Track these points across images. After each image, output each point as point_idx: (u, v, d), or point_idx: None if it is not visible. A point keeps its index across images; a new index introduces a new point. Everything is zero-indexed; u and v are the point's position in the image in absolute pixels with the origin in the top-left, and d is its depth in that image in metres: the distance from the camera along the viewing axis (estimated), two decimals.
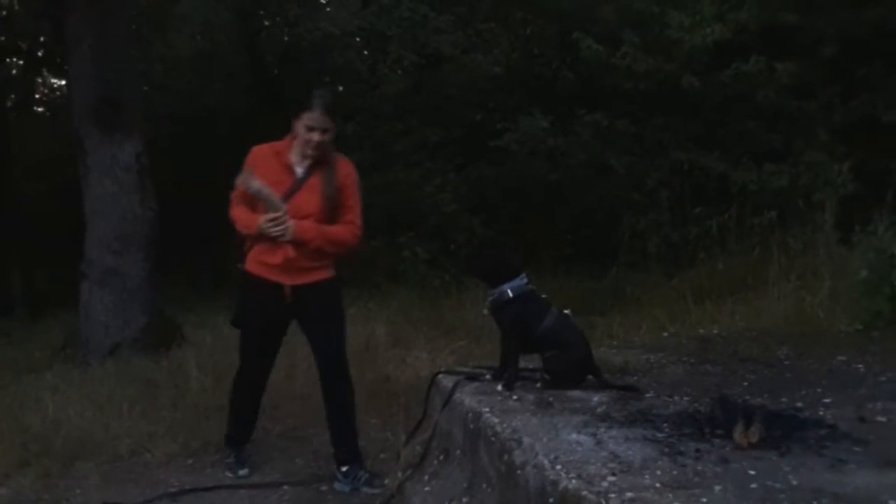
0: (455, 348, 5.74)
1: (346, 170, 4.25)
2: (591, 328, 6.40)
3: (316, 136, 4.00)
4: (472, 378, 3.60)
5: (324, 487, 3.97)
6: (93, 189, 6.82)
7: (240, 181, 3.93)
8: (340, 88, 15.01)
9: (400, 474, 3.51)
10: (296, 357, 5.77)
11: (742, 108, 9.13)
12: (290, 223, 3.84)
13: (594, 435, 2.65)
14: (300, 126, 4.01)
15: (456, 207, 10.36)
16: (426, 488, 3.29)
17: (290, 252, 3.89)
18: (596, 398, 3.18)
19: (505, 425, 2.81)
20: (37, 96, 19.91)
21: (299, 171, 4.06)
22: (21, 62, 17.63)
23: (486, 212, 10.49)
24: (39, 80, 19.23)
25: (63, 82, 18.15)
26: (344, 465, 4.00)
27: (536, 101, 10.69)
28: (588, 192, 10.28)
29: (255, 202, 3.96)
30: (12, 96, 17.26)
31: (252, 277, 4.02)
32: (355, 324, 6.41)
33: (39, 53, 16.66)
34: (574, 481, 2.22)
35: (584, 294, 8.26)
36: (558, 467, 2.34)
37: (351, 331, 6.20)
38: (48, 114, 19.81)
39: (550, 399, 3.17)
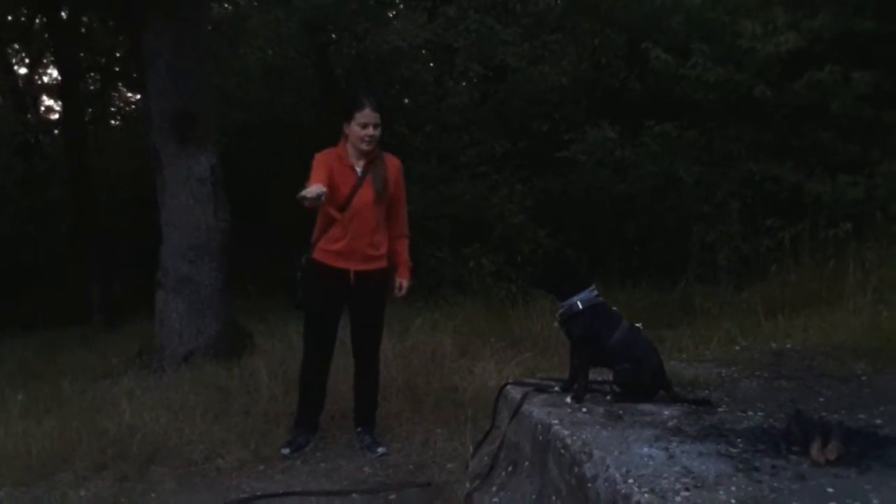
0: (522, 360, 5.73)
1: (393, 163, 4.77)
2: (661, 341, 6.31)
3: (370, 131, 4.47)
4: (540, 390, 3.59)
5: (392, 496, 3.98)
6: (169, 200, 7.01)
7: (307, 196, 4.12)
8: (406, 101, 15.16)
9: (468, 485, 3.52)
10: None
11: (816, 118, 8.91)
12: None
13: (666, 449, 2.62)
14: (354, 126, 4.49)
15: (522, 219, 10.35)
16: (494, 499, 3.29)
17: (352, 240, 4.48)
18: (667, 412, 3.14)
19: (575, 438, 2.79)
20: (113, 110, 20.55)
21: (358, 169, 4.58)
22: (99, 77, 18.22)
23: (552, 223, 10.44)
24: (116, 95, 19.85)
25: (139, 96, 18.71)
26: (359, 426, 4.74)
27: (604, 112, 10.63)
28: (656, 203, 10.17)
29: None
30: (90, 110, 17.82)
31: (319, 265, 4.55)
32: (422, 334, 6.48)
33: (116, 68, 17.20)
34: (647, 496, 2.20)
35: (652, 307, 8.16)
36: (630, 481, 2.32)
37: (417, 341, 6.30)
38: (124, 127, 20.42)
39: (620, 412, 3.14)
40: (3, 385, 6.45)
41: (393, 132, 12.23)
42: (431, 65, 14.63)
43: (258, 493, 4.08)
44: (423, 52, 14.04)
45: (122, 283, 13.47)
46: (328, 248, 4.54)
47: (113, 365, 7.22)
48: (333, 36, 15.20)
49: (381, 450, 4.64)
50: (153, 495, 4.10)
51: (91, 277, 12.89)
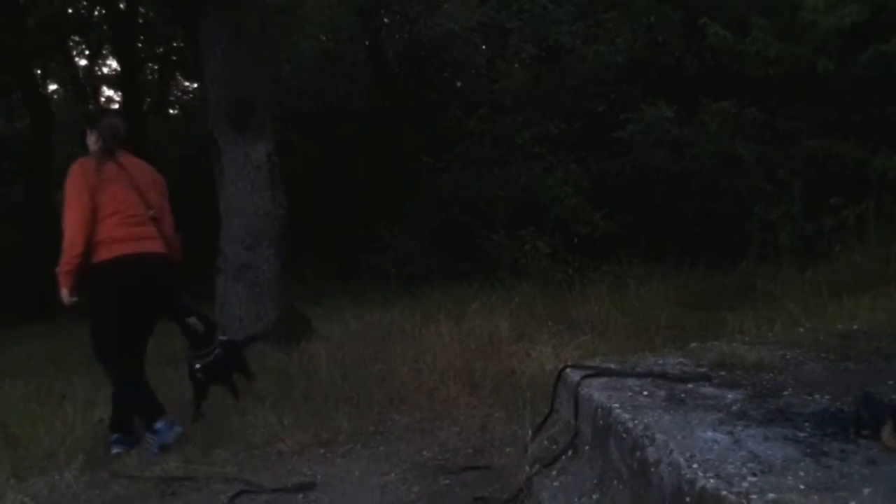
0: (580, 343, 5.68)
1: None
2: (722, 324, 6.24)
3: None
4: (599, 373, 3.55)
5: (447, 480, 3.99)
6: (227, 187, 7.11)
7: None
8: (459, 84, 15.13)
9: (528, 468, 3.50)
10: (422, 349, 5.87)
11: (881, 93, 8.65)
12: None
13: (731, 433, 2.57)
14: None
15: (578, 200, 10.27)
16: (555, 483, 3.27)
17: None
18: (730, 395, 3.08)
19: (636, 421, 2.75)
20: (171, 99, 20.90)
21: None
22: (157, 67, 18.54)
23: (608, 205, 10.34)
24: (173, 84, 20.19)
25: (195, 85, 19.00)
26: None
27: (660, 91, 10.46)
28: (715, 183, 9.99)
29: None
30: (148, 100, 18.14)
31: None
32: (478, 318, 6.48)
33: (174, 58, 17.46)
34: (712, 481, 2.15)
35: (712, 288, 8.06)
36: (695, 466, 2.28)
37: (474, 324, 6.31)
38: (182, 116, 20.76)
39: (682, 395, 3.09)
40: (70, 370, 6.62)
41: (447, 115, 12.23)
42: (484, 47, 14.57)
43: (319, 477, 4.11)
44: (475, 34, 13.98)
45: (181, 269, 13.66)
46: None
47: (175, 350, 7.34)
48: (386, 20, 15.23)
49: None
50: (216, 477, 4.16)
51: None
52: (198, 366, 5.02)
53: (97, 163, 4.57)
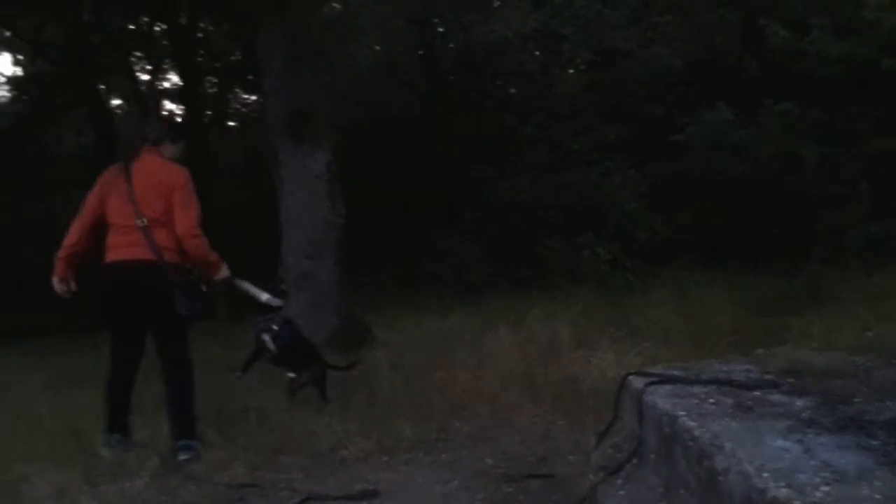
0: (642, 349, 5.61)
1: None
2: (787, 329, 6.12)
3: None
4: (664, 380, 3.52)
5: (510, 488, 3.97)
6: (287, 198, 7.21)
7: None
8: (513, 91, 15.11)
9: (592, 477, 3.48)
10: (482, 356, 5.87)
11: None
12: None
13: (801, 441, 2.52)
14: (179, 147, 4.92)
15: (636, 205, 10.20)
16: (620, 492, 3.25)
17: None
18: (800, 402, 3.03)
19: (703, 430, 2.72)
20: (230, 111, 21.23)
21: None
22: (216, 80, 18.86)
23: (668, 209, 10.24)
24: (232, 97, 20.51)
25: (254, 97, 19.29)
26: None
27: (719, 93, 10.33)
28: (777, 186, 9.83)
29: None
30: (208, 112, 18.47)
31: None
32: (538, 324, 6.46)
33: (233, 71, 17.75)
34: (784, 490, 2.12)
35: (776, 293, 7.91)
36: (765, 475, 2.25)
37: (534, 331, 6.29)
38: (241, 128, 21.06)
39: (750, 403, 3.05)
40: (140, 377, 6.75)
41: (502, 123, 12.24)
42: (538, 53, 14.53)
43: (382, 484, 4.13)
44: (529, 40, 13.96)
45: (243, 278, 13.89)
46: None
47: (238, 358, 7.44)
48: (440, 29, 15.30)
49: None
50: (281, 485, 4.20)
51: None
52: (266, 337, 5.18)
53: (117, 171, 4.80)
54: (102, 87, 18.49)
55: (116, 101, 22.42)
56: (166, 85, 22.30)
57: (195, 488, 4.24)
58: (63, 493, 4.21)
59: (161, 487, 4.28)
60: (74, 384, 6.19)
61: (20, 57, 20.41)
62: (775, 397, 3.13)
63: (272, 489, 4.16)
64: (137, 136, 4.97)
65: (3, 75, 23.33)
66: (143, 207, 4.63)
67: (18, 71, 20.92)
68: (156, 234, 4.57)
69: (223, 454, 4.63)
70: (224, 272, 4.81)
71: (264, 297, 5.04)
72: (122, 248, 4.65)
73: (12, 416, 5.35)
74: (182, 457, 4.64)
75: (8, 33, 18.04)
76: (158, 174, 4.73)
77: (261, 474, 4.35)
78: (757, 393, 3.18)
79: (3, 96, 21.95)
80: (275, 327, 5.15)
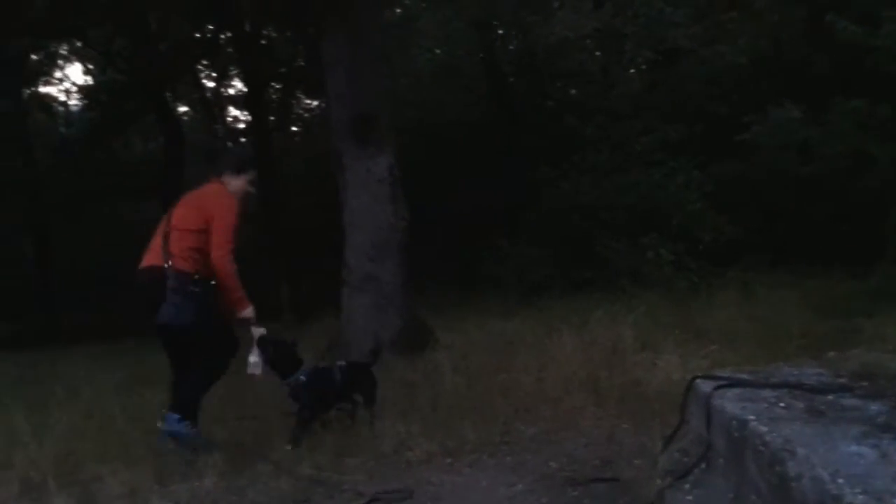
0: (708, 352, 5.53)
1: None
2: (858, 331, 5.98)
3: (252, 190, 4.95)
4: (732, 384, 3.46)
5: (575, 492, 3.95)
6: (350, 201, 7.29)
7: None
8: (573, 92, 15.04)
9: (659, 481, 3.44)
10: (545, 359, 5.85)
11: None
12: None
13: (877, 447, 2.45)
14: (243, 180, 4.88)
15: (701, 206, 10.05)
16: (688, 497, 3.20)
17: None
18: (874, 407, 2.95)
19: (775, 434, 2.67)
20: (293, 117, 21.55)
21: None
22: (280, 86, 19.16)
23: (733, 209, 10.07)
24: (295, 102, 20.81)
25: (316, 102, 19.55)
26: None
27: (786, 91, 10.13)
28: (847, 185, 9.60)
29: None
30: (272, 118, 18.77)
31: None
32: (601, 327, 6.40)
33: (296, 77, 18.01)
34: (861, 497, 2.07)
35: (846, 294, 7.74)
36: (840, 481, 2.19)
37: (597, 334, 6.23)
38: (304, 133, 21.36)
39: (822, 407, 2.97)
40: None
41: (563, 124, 12.18)
42: (598, 53, 14.43)
43: (447, 485, 4.15)
44: (590, 41, 13.87)
45: (308, 282, 14.13)
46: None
47: (305, 360, 7.54)
48: (500, 31, 15.30)
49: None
50: (345, 486, 4.24)
51: (280, 278, 13.58)
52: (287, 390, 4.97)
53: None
54: (169, 94, 18.92)
55: (183, 108, 22.98)
56: (231, 91, 22.81)
57: (262, 487, 4.32)
58: (134, 492, 4.31)
59: (229, 487, 4.36)
60: (146, 385, 6.32)
61: (91, 66, 21.09)
62: (848, 401, 3.05)
63: (337, 490, 4.21)
64: (207, 166, 5.04)
65: (75, 84, 24.10)
66: (174, 218, 4.73)
67: (89, 80, 21.65)
68: (172, 240, 4.64)
69: (289, 455, 4.70)
70: (247, 313, 4.77)
71: (253, 357, 4.74)
72: (145, 256, 4.78)
73: (85, 416, 5.49)
74: (161, 426, 4.76)
75: (79, 44, 18.63)
76: (203, 198, 4.83)
77: (326, 475, 4.40)
78: (829, 397, 3.10)
79: (74, 105, 22.72)
80: (302, 378, 4.93)
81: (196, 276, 4.59)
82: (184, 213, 4.76)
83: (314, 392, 4.90)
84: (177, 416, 4.68)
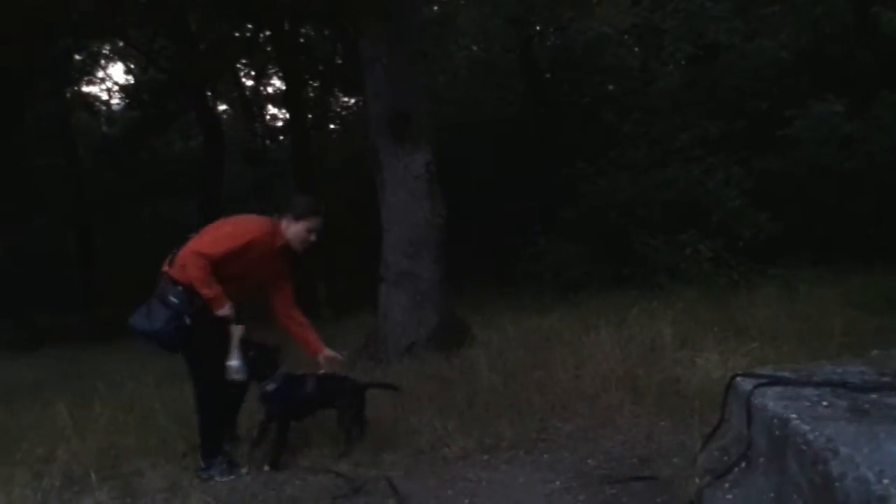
0: (748, 350, 5.47)
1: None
2: None
3: (313, 237, 4.65)
4: (773, 382, 3.41)
5: (613, 490, 3.92)
6: (388, 198, 7.31)
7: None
8: (611, 87, 14.94)
9: (698, 480, 3.40)
10: (582, 356, 5.82)
11: None
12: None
13: None
14: (301, 226, 4.61)
15: (741, 202, 9.93)
16: (728, 496, 3.16)
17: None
18: None
19: (817, 433, 2.62)
20: (331, 115, 21.68)
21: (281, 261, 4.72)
22: (318, 84, 19.29)
23: (774, 206, 9.93)
24: (333, 100, 20.93)
25: (354, 100, 19.64)
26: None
27: (829, 85, 9.96)
28: (890, 180, 9.41)
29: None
30: (310, 116, 18.89)
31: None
32: (638, 324, 6.36)
33: (334, 74, 18.12)
34: None
35: (890, 292, 7.59)
36: (885, 481, 2.15)
37: (634, 331, 6.19)
38: (342, 130, 21.47)
39: (867, 406, 2.92)
40: None
41: (600, 120, 12.11)
42: (637, 49, 14.32)
43: (484, 482, 4.14)
44: (628, 36, 13.77)
45: (344, 278, 14.22)
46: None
47: (342, 356, 7.57)
48: (537, 27, 15.24)
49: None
50: (382, 483, 4.26)
51: (317, 275, 13.69)
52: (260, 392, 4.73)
53: None
54: (209, 93, 19.13)
55: (223, 107, 23.23)
56: (270, 90, 23.01)
57: (300, 483, 4.36)
58: (175, 486, 4.38)
59: (268, 482, 4.41)
60: (186, 380, 6.39)
61: (132, 66, 21.40)
62: (893, 400, 2.99)
63: (374, 486, 4.23)
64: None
65: (117, 84, 24.46)
66: (203, 230, 4.67)
67: (131, 79, 21.97)
68: (184, 248, 4.51)
69: (326, 450, 4.73)
70: (224, 311, 4.43)
71: (233, 361, 4.42)
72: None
73: (126, 411, 5.58)
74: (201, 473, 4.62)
75: (121, 44, 18.90)
76: (221, 223, 4.73)
77: (364, 470, 4.42)
78: (873, 395, 3.04)
79: (116, 104, 23.07)
80: (271, 387, 4.67)
81: (181, 288, 4.39)
82: (209, 227, 4.69)
83: (283, 401, 4.68)
84: (202, 466, 4.59)
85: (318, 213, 4.63)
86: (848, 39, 10.80)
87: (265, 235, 4.54)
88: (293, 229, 4.60)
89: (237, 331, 4.44)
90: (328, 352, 4.80)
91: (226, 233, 4.51)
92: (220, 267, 4.38)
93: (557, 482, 4.09)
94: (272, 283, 4.77)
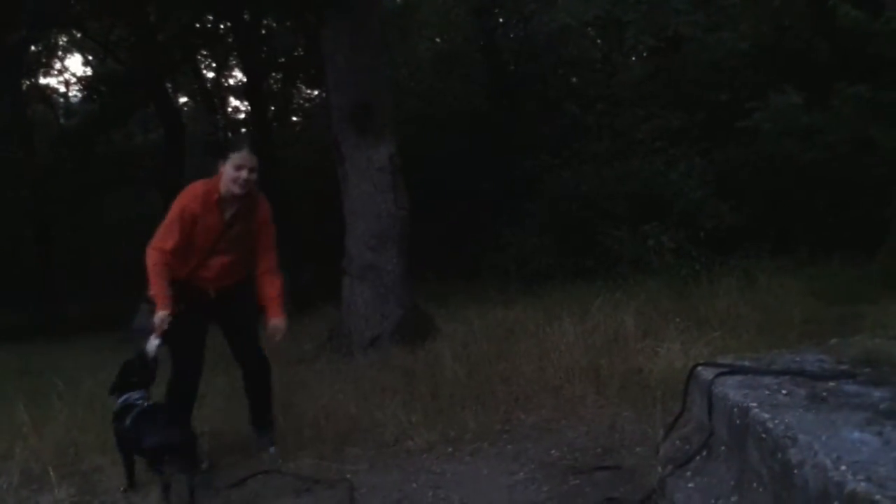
0: (709, 340, 5.51)
1: (263, 208, 4.60)
2: (860, 318, 5.96)
3: (244, 174, 4.33)
4: (734, 371, 3.44)
5: (577, 480, 3.93)
6: (351, 190, 7.27)
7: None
8: (574, 79, 14.99)
9: (660, 469, 3.42)
10: (546, 347, 5.83)
11: None
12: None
13: (880, 434, 2.43)
14: (228, 166, 4.34)
15: (703, 193, 10.00)
16: (689, 485, 3.19)
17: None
18: (877, 393, 2.92)
19: (777, 421, 2.65)
20: (293, 107, 21.53)
21: (227, 215, 4.43)
22: (280, 76, 19.13)
23: (735, 197, 10.02)
24: (295, 92, 20.78)
25: (316, 92, 19.50)
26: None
27: (788, 77, 10.03)
28: (849, 171, 9.54)
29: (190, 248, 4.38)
30: (272, 108, 18.73)
31: (179, 283, 4.37)
32: (602, 314, 6.38)
33: (296, 67, 17.97)
34: (864, 484, 2.05)
35: (848, 281, 7.71)
36: (843, 468, 2.17)
37: (598, 322, 6.22)
38: (304, 123, 21.33)
39: (824, 394, 2.95)
40: (209, 371, 6.86)
41: (564, 112, 12.13)
42: (599, 41, 14.37)
43: (447, 474, 4.13)
44: (591, 28, 13.80)
45: (307, 272, 14.11)
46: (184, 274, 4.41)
47: (305, 350, 7.54)
48: (501, 19, 15.23)
49: (272, 449, 4.66)
50: (348, 475, 4.24)
51: (280, 266, 13.54)
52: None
53: None
54: (169, 85, 18.88)
55: (183, 99, 22.95)
56: (231, 82, 22.78)
57: (263, 478, 4.31)
58: (135, 483, 4.30)
59: (230, 477, 4.36)
60: None
61: (90, 57, 21.06)
62: (851, 388, 3.03)
63: (339, 479, 4.20)
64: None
65: (75, 75, 24.07)
66: None
67: (89, 71, 21.63)
68: None
69: (291, 445, 4.70)
70: (162, 314, 4.21)
71: (152, 344, 4.23)
72: None
73: (86, 408, 5.48)
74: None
75: (79, 34, 18.58)
76: None
77: (327, 464, 4.41)
78: (831, 383, 3.08)
79: (74, 96, 22.70)
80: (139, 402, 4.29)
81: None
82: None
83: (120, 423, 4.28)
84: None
85: (239, 147, 4.44)
86: (806, 32, 10.90)
87: (195, 198, 4.37)
88: (224, 174, 4.36)
89: (160, 316, 4.21)
90: (278, 321, 4.56)
91: (168, 218, 4.37)
92: (183, 249, 4.33)
93: (521, 473, 4.10)
94: (248, 248, 4.60)
